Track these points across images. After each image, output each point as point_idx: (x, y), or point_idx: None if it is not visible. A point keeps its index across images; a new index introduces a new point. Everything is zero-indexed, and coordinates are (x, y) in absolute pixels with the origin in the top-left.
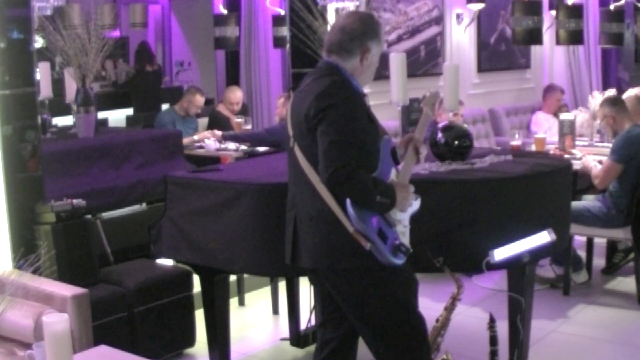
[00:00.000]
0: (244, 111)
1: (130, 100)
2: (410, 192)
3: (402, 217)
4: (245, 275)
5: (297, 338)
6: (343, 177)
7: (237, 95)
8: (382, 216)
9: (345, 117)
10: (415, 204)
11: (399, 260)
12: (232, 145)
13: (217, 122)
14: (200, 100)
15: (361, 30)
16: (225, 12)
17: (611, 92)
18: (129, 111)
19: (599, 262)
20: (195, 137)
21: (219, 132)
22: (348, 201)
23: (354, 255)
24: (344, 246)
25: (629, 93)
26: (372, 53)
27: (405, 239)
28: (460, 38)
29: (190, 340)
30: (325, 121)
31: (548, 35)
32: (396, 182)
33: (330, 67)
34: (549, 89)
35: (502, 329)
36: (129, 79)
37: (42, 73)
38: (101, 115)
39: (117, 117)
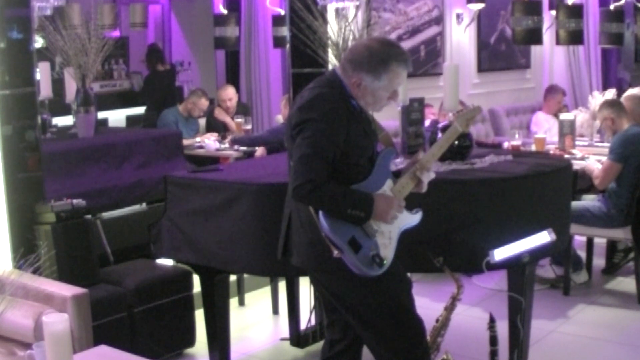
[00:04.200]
0: (244, 111)
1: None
2: (393, 206)
3: (387, 230)
4: (245, 275)
5: (297, 338)
6: (305, 192)
7: (228, 92)
8: (360, 225)
9: (321, 132)
10: (413, 219)
11: (373, 272)
12: None
13: (214, 127)
14: (205, 103)
15: (361, 58)
16: (225, 12)
17: (611, 92)
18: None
19: (599, 262)
20: (197, 139)
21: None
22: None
23: (339, 258)
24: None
25: (629, 93)
26: (366, 85)
27: (387, 252)
28: (460, 38)
29: (190, 340)
30: (302, 134)
31: (548, 35)
32: (379, 195)
33: (333, 78)
34: (551, 90)
35: (502, 329)
36: (144, 78)
37: (42, 73)
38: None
39: (117, 117)
